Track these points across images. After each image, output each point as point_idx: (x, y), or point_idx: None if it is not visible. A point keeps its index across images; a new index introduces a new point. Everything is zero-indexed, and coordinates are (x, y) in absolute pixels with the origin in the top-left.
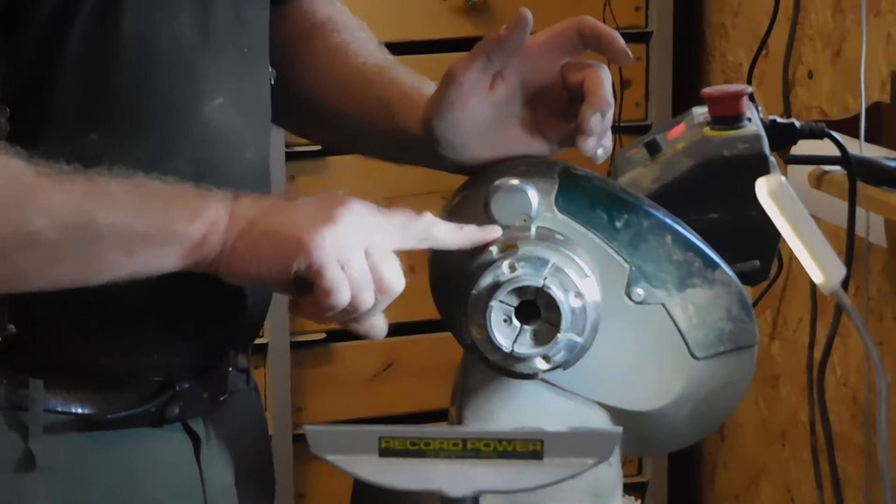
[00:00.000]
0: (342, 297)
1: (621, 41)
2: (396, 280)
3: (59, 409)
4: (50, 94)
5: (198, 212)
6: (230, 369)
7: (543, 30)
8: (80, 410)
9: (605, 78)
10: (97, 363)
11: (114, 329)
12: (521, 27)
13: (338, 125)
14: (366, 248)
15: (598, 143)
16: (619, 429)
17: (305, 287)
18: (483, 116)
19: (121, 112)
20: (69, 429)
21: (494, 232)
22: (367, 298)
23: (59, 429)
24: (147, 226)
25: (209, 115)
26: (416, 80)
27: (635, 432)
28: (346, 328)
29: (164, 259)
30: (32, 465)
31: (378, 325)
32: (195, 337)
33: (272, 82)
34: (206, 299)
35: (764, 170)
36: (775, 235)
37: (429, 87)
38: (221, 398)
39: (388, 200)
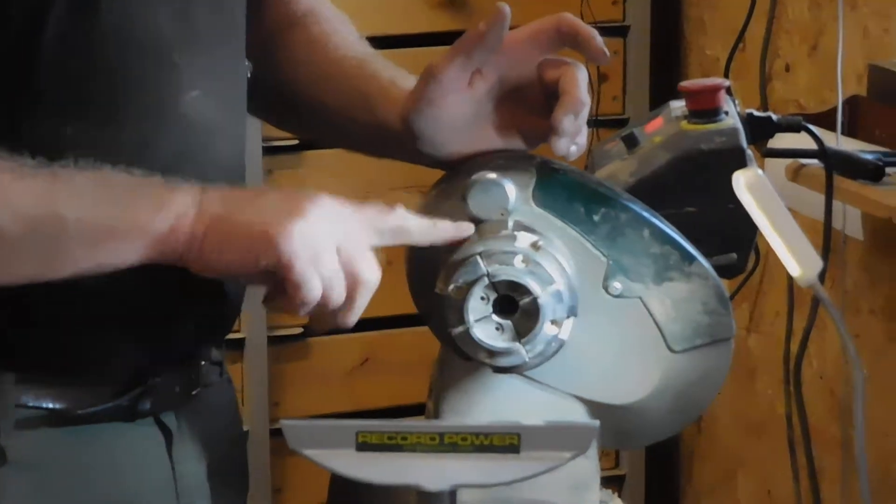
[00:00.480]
0: (313, 292)
1: (599, 41)
2: (371, 274)
3: (31, 403)
4: (26, 86)
5: (164, 204)
6: (203, 363)
7: (523, 26)
8: (51, 405)
9: (580, 76)
10: (69, 357)
11: (85, 323)
12: (499, 22)
13: (317, 118)
14: (337, 244)
15: (571, 142)
16: (597, 422)
17: (278, 281)
18: (461, 112)
19: (97, 104)
20: (41, 423)
21: (468, 229)
22: (339, 293)
23: (30, 423)
24: (112, 218)
25: (186, 108)
26: (396, 73)
27: (612, 425)
28: (322, 324)
29: (129, 252)
30: (3, 459)
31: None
32: (167, 330)
33: (248, 75)
34: (178, 292)
35: (741, 163)
36: (752, 229)
37: (409, 81)
38: (194, 392)
39: (366, 194)
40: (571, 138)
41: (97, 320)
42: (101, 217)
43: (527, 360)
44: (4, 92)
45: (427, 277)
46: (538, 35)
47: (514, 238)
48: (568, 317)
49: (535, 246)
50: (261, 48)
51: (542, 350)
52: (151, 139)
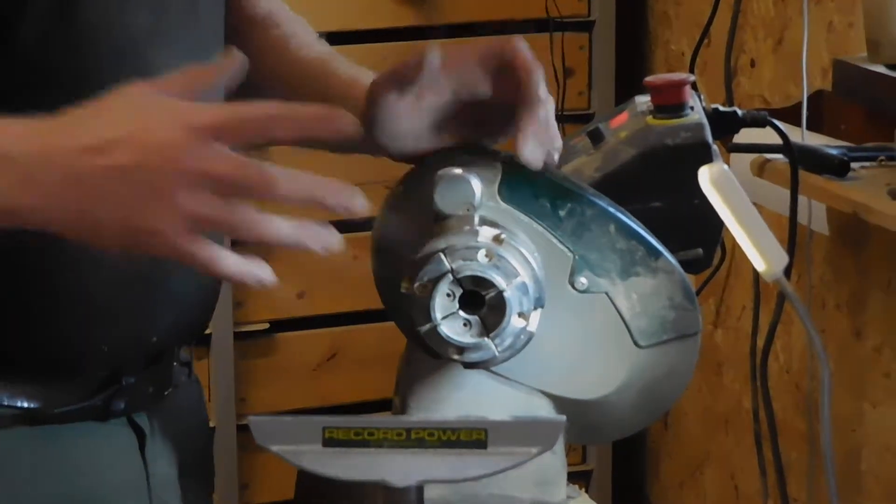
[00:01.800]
0: (225, 256)
1: (536, 82)
2: (241, 168)
3: (5, 402)
4: (2, 85)
5: None
6: (175, 363)
7: (470, 44)
8: (25, 404)
9: (536, 78)
10: (42, 357)
11: (59, 322)
12: (426, 69)
13: None
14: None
15: (540, 147)
16: (563, 417)
17: None
18: (418, 120)
19: (73, 104)
20: (14, 422)
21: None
22: (231, 217)
23: (4, 422)
24: None
25: None
26: (355, 71)
27: (579, 421)
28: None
29: None
30: None
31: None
32: (142, 330)
33: None
34: (153, 292)
35: (707, 158)
36: (718, 224)
37: (368, 78)
38: (166, 392)
39: None
40: (540, 143)
41: (71, 320)
42: None
43: (496, 354)
44: None
45: (393, 273)
46: (484, 59)
47: (476, 233)
48: (535, 308)
49: (497, 239)
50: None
51: (511, 343)
52: None
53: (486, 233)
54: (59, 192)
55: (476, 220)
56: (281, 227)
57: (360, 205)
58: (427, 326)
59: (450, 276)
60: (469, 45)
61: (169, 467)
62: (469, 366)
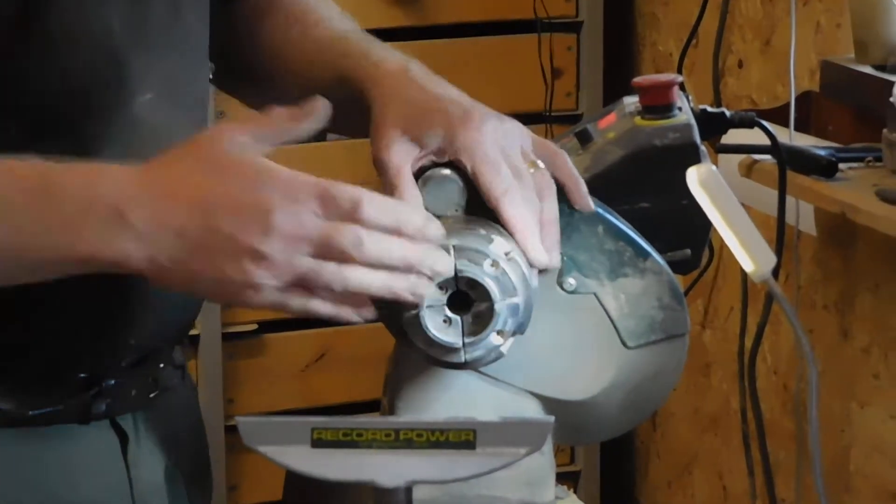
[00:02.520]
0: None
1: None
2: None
3: None
4: None
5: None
6: (161, 365)
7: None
8: (3, 406)
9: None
10: (20, 358)
11: (37, 323)
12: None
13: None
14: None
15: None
16: (552, 418)
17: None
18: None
19: (44, 105)
20: None
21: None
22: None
23: None
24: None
25: (138, 110)
26: (369, 47)
27: (567, 421)
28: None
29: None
30: None
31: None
32: (121, 332)
33: (210, 77)
34: (127, 294)
35: (695, 159)
36: (706, 224)
37: (381, 55)
38: (152, 395)
39: None
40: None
41: (49, 321)
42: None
43: (464, 360)
44: None
45: None
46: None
47: (490, 241)
48: (514, 333)
49: (507, 255)
50: (236, 38)
51: (480, 356)
52: (100, 142)
53: (499, 244)
54: (165, 249)
55: (495, 228)
56: (372, 280)
57: (447, 269)
58: (411, 313)
59: (451, 271)
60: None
61: (156, 472)
62: (433, 362)
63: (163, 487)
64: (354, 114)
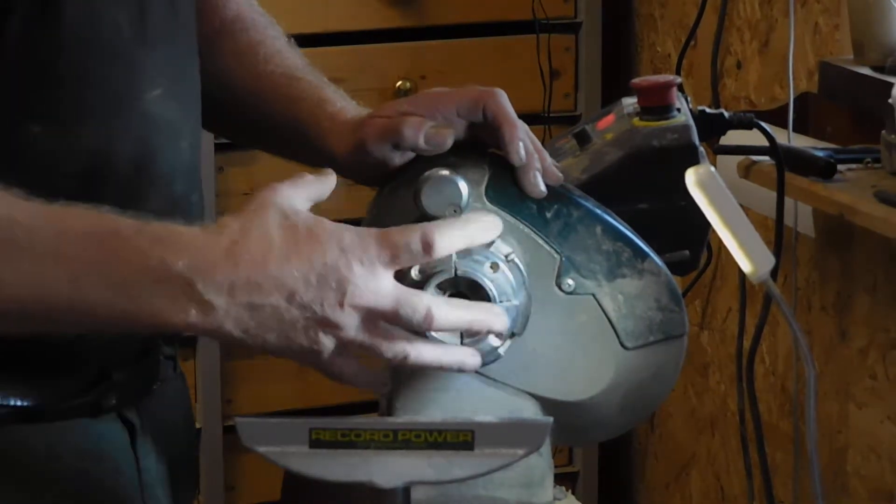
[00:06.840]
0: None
1: (518, 140)
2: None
3: None
4: None
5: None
6: (160, 357)
7: (450, 89)
8: (18, 402)
9: (503, 104)
10: (35, 354)
11: None
12: (422, 141)
13: (249, 132)
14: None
15: (537, 170)
16: (550, 419)
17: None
18: (390, 161)
19: (64, 102)
20: (7, 421)
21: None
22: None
23: None
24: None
25: (148, 106)
26: (322, 91)
27: (566, 422)
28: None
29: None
30: None
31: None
32: None
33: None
34: None
35: (693, 160)
36: (705, 225)
37: (335, 96)
38: (154, 387)
39: None
40: (535, 166)
41: None
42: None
43: (502, 341)
44: None
45: None
46: (462, 110)
47: (490, 243)
48: (512, 335)
49: (508, 258)
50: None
51: (510, 325)
52: (115, 137)
53: (500, 247)
54: (235, 321)
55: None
56: (426, 353)
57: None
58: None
59: (451, 272)
60: (449, 94)
61: (158, 461)
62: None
63: (165, 476)
64: (298, 147)
